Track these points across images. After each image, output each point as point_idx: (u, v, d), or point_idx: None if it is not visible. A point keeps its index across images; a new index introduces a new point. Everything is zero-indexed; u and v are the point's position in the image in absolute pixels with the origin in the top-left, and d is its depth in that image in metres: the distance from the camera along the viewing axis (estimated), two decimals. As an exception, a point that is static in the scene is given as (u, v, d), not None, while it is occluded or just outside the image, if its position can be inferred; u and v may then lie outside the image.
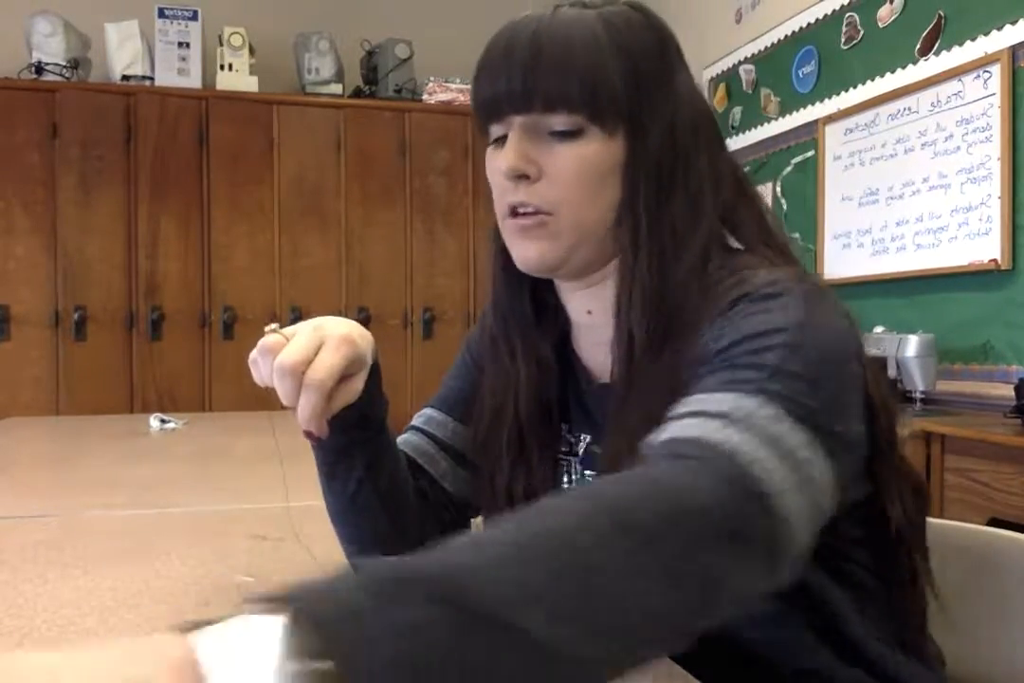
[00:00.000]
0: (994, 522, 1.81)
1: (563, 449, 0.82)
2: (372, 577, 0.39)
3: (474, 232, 3.70)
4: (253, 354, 0.66)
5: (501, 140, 0.73)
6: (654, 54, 0.72)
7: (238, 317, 3.45)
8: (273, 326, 0.67)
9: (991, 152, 2.39)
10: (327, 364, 0.64)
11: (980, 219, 2.43)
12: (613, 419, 0.72)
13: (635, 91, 0.70)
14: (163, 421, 2.14)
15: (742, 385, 0.56)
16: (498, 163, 0.72)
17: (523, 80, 0.69)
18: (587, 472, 0.80)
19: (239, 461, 1.68)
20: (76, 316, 3.30)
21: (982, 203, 2.42)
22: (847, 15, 2.91)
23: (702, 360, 0.62)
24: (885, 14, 2.75)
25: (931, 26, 2.58)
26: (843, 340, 0.63)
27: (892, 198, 2.75)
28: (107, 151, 3.35)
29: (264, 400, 3.76)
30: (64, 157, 3.31)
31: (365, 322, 3.51)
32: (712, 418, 0.54)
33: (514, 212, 0.72)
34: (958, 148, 2.50)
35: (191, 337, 3.43)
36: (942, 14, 2.55)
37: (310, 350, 0.64)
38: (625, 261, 0.72)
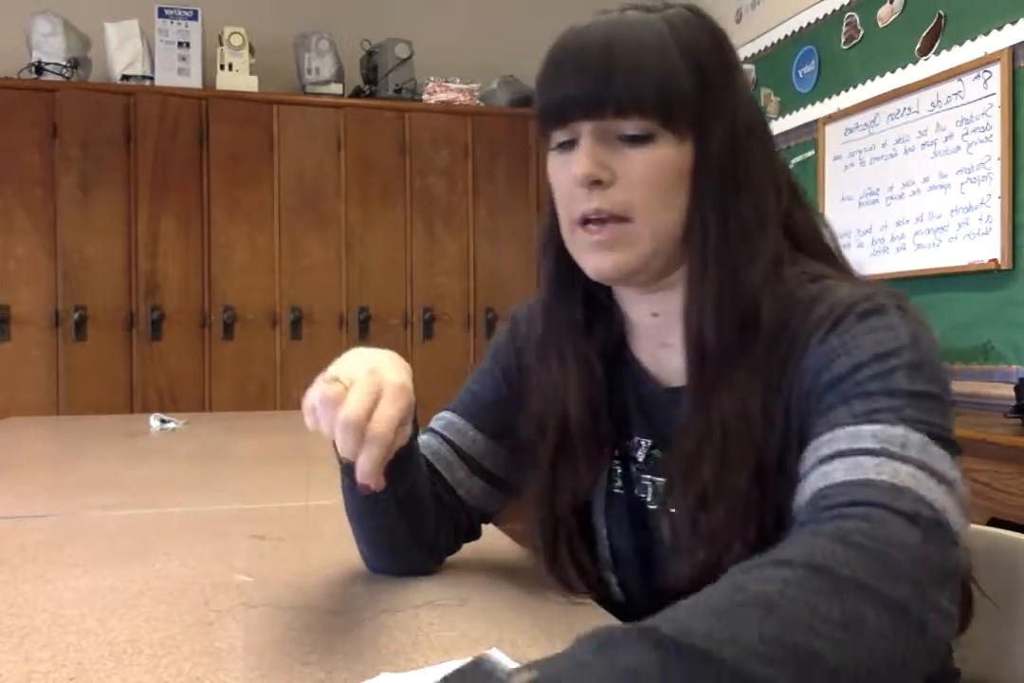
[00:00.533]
0: (994, 522, 1.81)
1: (616, 453, 0.81)
2: (596, 634, 0.44)
3: (474, 232, 3.70)
4: (311, 401, 0.65)
5: (565, 145, 0.72)
6: (715, 55, 0.72)
7: (238, 317, 3.45)
8: (331, 374, 0.65)
9: (991, 152, 2.39)
10: (387, 416, 0.63)
11: (980, 219, 2.43)
12: (684, 422, 0.71)
13: (702, 94, 0.69)
14: (163, 421, 2.14)
15: (882, 415, 0.60)
16: (571, 169, 0.71)
17: (596, 85, 0.68)
18: (646, 476, 0.79)
19: (239, 461, 1.68)
20: (76, 316, 3.30)
21: (982, 203, 2.42)
22: (847, 15, 2.91)
23: (819, 377, 0.65)
24: (885, 14, 2.75)
25: (931, 26, 2.58)
26: (938, 348, 0.66)
27: (892, 198, 2.75)
28: (107, 151, 3.34)
29: (264, 400, 3.72)
30: (64, 157, 3.31)
31: (365, 322, 3.51)
32: (871, 455, 0.57)
33: (585, 221, 0.72)
34: (958, 148, 2.50)
35: (191, 337, 3.42)
36: (942, 14, 2.55)
37: (371, 399, 0.63)
38: (694, 264, 0.71)
